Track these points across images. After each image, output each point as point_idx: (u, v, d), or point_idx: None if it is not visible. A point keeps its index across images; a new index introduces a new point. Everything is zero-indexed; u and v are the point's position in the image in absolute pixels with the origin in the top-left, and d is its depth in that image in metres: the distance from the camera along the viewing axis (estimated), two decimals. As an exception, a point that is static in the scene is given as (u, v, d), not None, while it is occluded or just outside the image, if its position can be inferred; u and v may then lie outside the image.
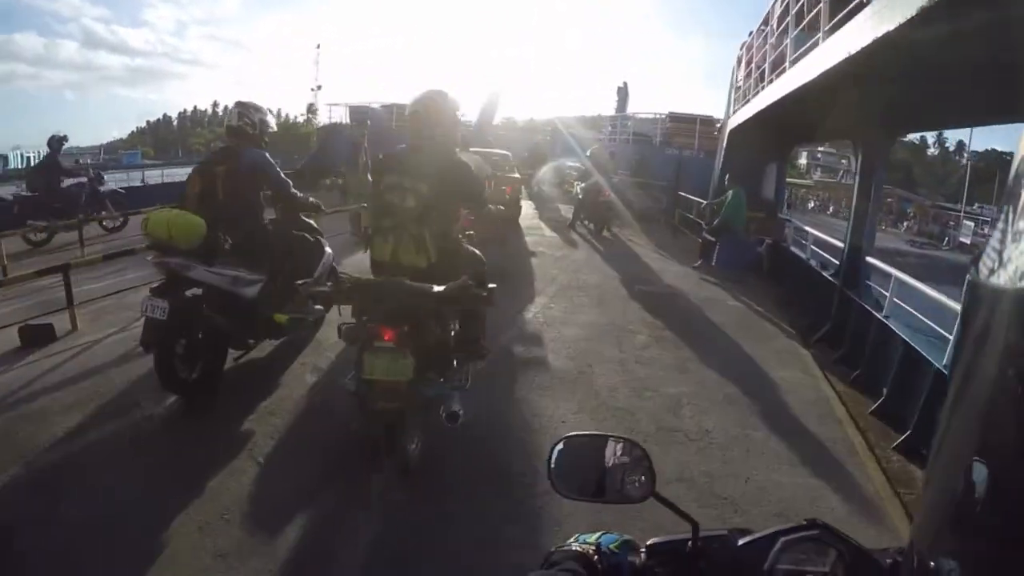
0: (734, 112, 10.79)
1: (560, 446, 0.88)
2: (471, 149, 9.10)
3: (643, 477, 0.83)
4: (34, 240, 7.51)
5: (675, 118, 16.92)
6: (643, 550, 0.80)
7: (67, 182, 8.20)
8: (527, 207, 11.56)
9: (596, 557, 0.75)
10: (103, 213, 8.54)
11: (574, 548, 0.77)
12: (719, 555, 0.76)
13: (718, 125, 14.22)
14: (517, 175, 10.41)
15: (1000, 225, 0.43)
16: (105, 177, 9.89)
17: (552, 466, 0.87)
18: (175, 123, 79.05)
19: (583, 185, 10.61)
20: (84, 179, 8.52)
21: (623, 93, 20.38)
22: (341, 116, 19.04)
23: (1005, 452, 0.38)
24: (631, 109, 20.21)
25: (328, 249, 4.09)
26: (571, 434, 0.90)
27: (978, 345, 0.42)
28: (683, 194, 12.30)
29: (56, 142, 8.30)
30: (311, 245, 3.94)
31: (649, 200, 12.81)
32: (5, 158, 49.19)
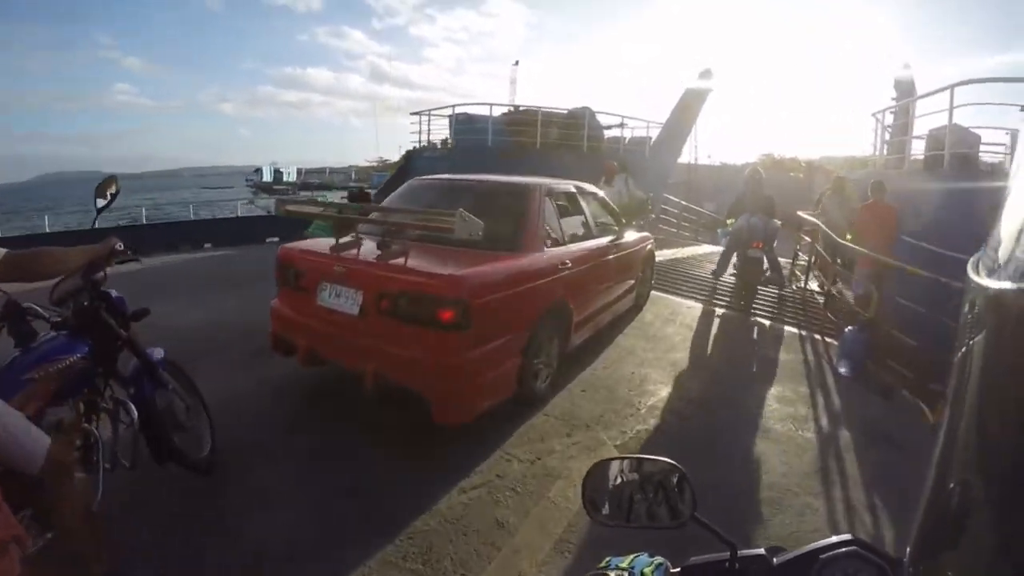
0: None
1: (595, 469, 0.88)
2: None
3: (683, 500, 0.83)
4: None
5: None
6: (677, 570, 0.79)
7: None
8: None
9: None
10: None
11: (608, 574, 0.77)
12: None
13: None
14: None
15: (1000, 225, 0.43)
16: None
17: (587, 491, 0.87)
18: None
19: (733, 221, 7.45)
20: None
21: (906, 86, 10.68)
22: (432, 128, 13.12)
23: (1006, 451, 0.39)
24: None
25: None
26: (606, 457, 0.89)
27: (978, 345, 0.42)
28: None
29: None
30: None
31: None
32: (260, 170, 61.86)
